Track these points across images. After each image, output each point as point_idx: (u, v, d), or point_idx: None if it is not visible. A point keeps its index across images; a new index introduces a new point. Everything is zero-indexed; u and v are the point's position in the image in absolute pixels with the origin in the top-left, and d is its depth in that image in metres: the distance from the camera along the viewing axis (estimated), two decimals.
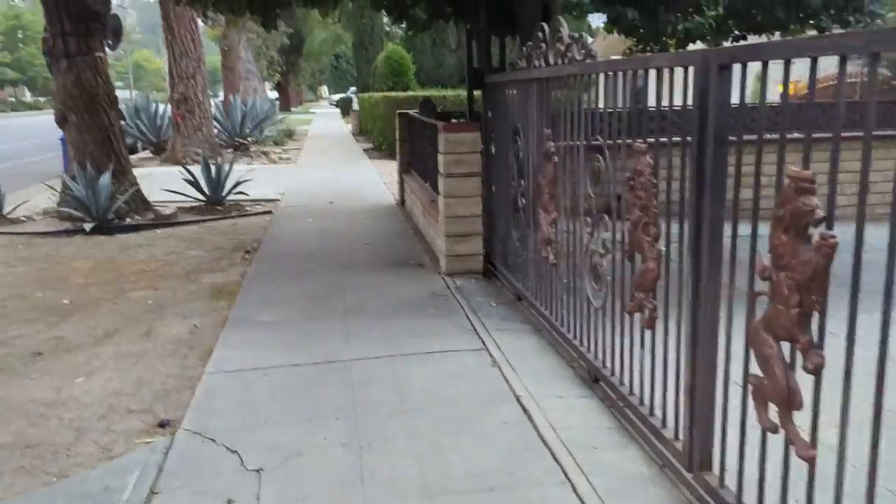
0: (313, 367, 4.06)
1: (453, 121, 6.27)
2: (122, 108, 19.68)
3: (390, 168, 14.44)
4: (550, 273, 4.46)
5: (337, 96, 56.93)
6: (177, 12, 16.25)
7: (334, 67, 63.32)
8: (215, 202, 9.93)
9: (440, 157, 5.91)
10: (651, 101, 2.97)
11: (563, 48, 3.94)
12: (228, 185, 10.07)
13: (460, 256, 5.94)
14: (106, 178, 8.74)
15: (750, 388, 2.28)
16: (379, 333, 4.60)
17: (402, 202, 9.94)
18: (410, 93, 17.43)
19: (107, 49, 9.98)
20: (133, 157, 18.13)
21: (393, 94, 17.05)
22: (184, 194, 9.88)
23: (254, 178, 11.57)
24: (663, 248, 2.91)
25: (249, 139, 19.60)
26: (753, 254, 2.24)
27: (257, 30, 37.25)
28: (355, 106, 30.86)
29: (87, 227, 8.32)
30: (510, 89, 5.16)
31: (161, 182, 10.01)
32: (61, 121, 9.20)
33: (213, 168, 9.93)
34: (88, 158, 9.16)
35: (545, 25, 4.27)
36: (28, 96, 71.22)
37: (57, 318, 5.25)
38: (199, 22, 21.08)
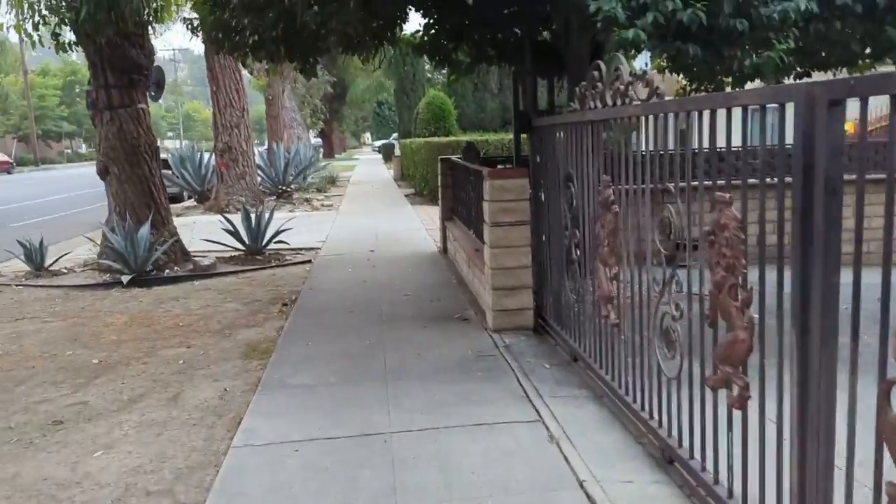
0: (350, 442, 3.66)
1: (499, 166, 5.92)
2: (168, 157, 20.02)
3: (432, 214, 14.17)
4: (612, 333, 4.02)
5: (379, 142, 57.59)
6: (221, 64, 16.47)
7: (377, 114, 64.16)
8: (255, 252, 9.73)
9: (486, 205, 5.55)
10: (708, 143, 2.57)
11: (622, 87, 3.57)
12: (268, 234, 9.88)
13: (508, 311, 5.53)
14: (145, 230, 8.61)
15: (886, 499, 1.82)
16: (422, 401, 4.19)
17: (444, 250, 9.60)
18: (452, 138, 17.26)
19: (149, 100, 9.99)
20: (178, 206, 18.31)
21: (434, 139, 16.91)
22: (224, 244, 9.71)
23: (295, 226, 11.41)
24: (756, 317, 2.47)
25: (292, 186, 19.64)
26: (885, 331, 1.80)
27: (301, 79, 38.01)
28: (397, 152, 30.96)
29: (125, 279, 8.16)
30: (561, 132, 4.80)
31: (204, 230, 9.89)
32: (103, 172, 9.16)
33: (252, 217, 9.76)
34: (128, 209, 9.07)
35: (601, 64, 3.91)
36: (83, 148, 73.89)
37: (84, 379, 4.98)
38: (244, 73, 21.44)
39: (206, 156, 18.79)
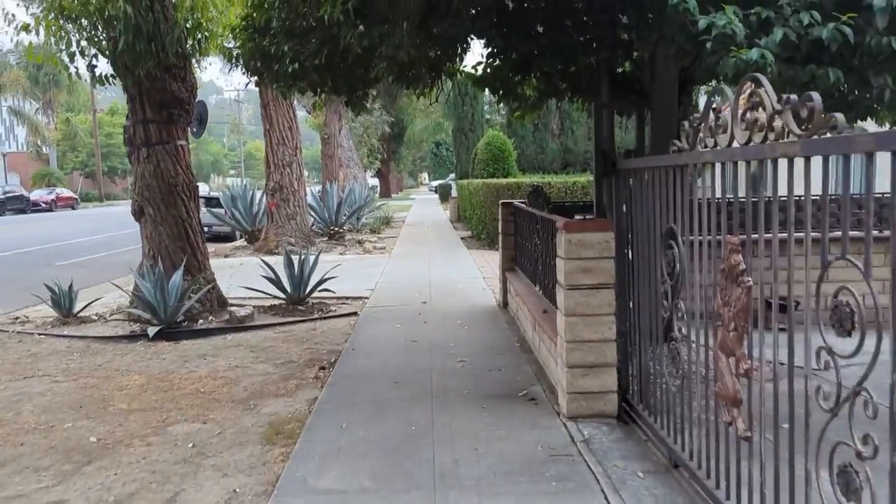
0: None
1: (577, 217, 4.93)
2: (220, 195, 19.66)
3: (489, 260, 13.25)
4: (738, 446, 2.97)
5: (436, 182, 57.35)
6: (276, 101, 16.06)
7: (434, 154, 64.18)
8: (297, 301, 8.94)
9: (560, 263, 4.58)
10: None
11: (765, 118, 2.59)
12: (312, 281, 9.09)
13: (586, 394, 4.50)
14: (177, 277, 7.91)
15: None
16: None
17: (504, 304, 8.61)
18: (512, 179, 16.35)
19: (192, 136, 9.42)
20: (228, 246, 17.86)
21: (493, 180, 16.04)
22: (264, 292, 8.95)
23: (343, 271, 10.64)
24: None
25: (345, 227, 19.01)
26: None
27: (360, 119, 37.97)
28: (454, 192, 30.27)
29: (151, 331, 7.43)
30: (660, 176, 3.81)
31: (250, 273, 9.16)
32: (138, 213, 8.55)
33: (295, 263, 8.98)
34: (162, 253, 8.41)
35: (726, 88, 2.94)
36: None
37: (73, 465, 4.15)
38: (300, 112, 21.12)
39: (258, 194, 18.35)
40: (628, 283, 4.46)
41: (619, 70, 6.72)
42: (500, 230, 8.78)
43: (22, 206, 41.28)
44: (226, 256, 15.87)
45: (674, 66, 5.73)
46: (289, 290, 8.96)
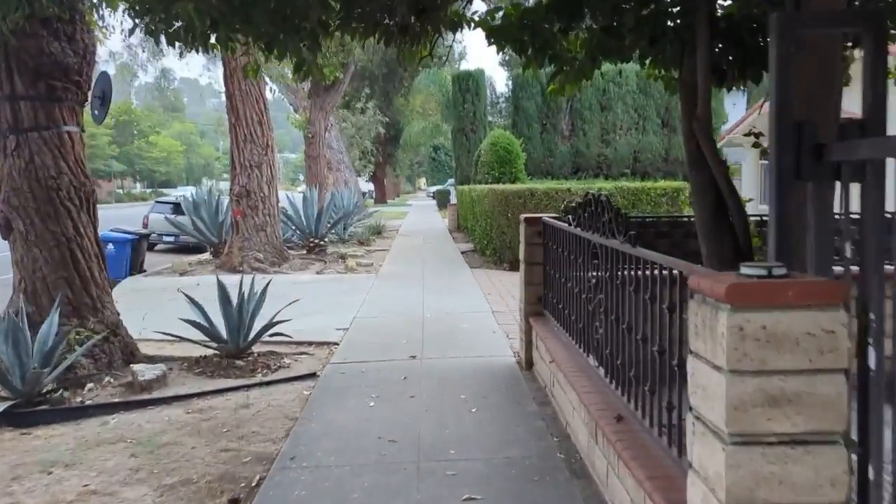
0: None
1: (752, 270, 2.26)
2: (181, 200, 17.05)
3: (500, 285, 10.68)
4: None
5: (434, 188, 54.92)
6: (242, 90, 13.52)
7: (432, 159, 61.66)
8: (234, 354, 6.36)
9: (713, 378, 1.99)
10: None
11: None
12: (259, 324, 6.52)
13: None
14: (50, 323, 5.35)
15: None
16: None
17: (527, 362, 6.01)
18: (524, 185, 13.72)
19: (95, 121, 6.88)
20: (188, 260, 15.26)
21: (501, 186, 13.43)
22: (190, 340, 6.37)
23: (316, 298, 8.13)
24: None
25: (327, 239, 16.41)
26: None
27: (352, 119, 35.48)
28: (453, 199, 27.74)
29: None
30: None
31: (206, 296, 6.57)
32: (5, 228, 5.97)
33: (235, 299, 6.42)
34: (37, 286, 5.85)
35: None
36: (138, 187, 73.21)
37: None
38: (280, 111, 18.55)
39: (226, 200, 15.77)
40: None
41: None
42: (521, 256, 6.20)
43: None
44: (182, 274, 13.28)
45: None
46: (224, 336, 6.39)
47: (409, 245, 18.22)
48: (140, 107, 77.35)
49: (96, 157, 57.91)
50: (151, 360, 6.23)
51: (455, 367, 6.08)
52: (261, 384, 5.78)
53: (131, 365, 5.98)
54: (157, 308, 8.81)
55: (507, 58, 51.64)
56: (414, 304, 9.18)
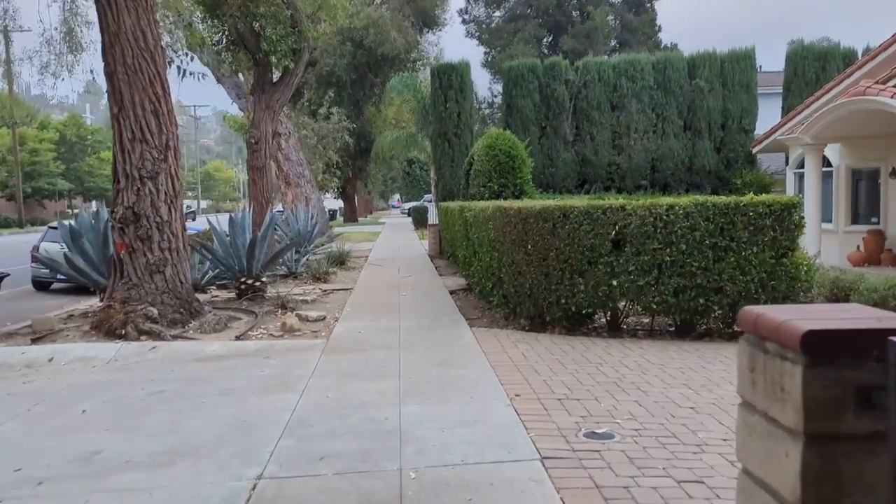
0: None
1: None
2: (59, 227, 12.47)
3: (522, 359, 6.21)
4: None
5: (409, 204, 50.72)
6: (129, 67, 9.08)
7: (406, 173, 57.49)
8: None
9: None
10: None
11: None
12: None
13: None
14: None
15: None
16: None
17: None
18: (554, 201, 9.12)
19: None
20: (64, 311, 10.73)
21: (516, 204, 9.03)
22: None
23: (194, 415, 3.72)
24: None
25: (265, 278, 11.87)
26: None
27: (314, 126, 31.01)
28: (433, 218, 23.40)
29: None
30: None
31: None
32: None
33: None
34: None
35: None
36: (93, 206, 67.87)
37: None
38: (206, 109, 14.06)
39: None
40: None
41: None
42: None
43: None
44: (37, 339, 8.73)
45: None
46: None
47: (380, 282, 13.79)
48: (94, 121, 72.14)
49: (38, 174, 52.72)
50: None
51: None
52: None
53: None
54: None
55: (490, 58, 47.66)
56: (382, 432, 4.78)
